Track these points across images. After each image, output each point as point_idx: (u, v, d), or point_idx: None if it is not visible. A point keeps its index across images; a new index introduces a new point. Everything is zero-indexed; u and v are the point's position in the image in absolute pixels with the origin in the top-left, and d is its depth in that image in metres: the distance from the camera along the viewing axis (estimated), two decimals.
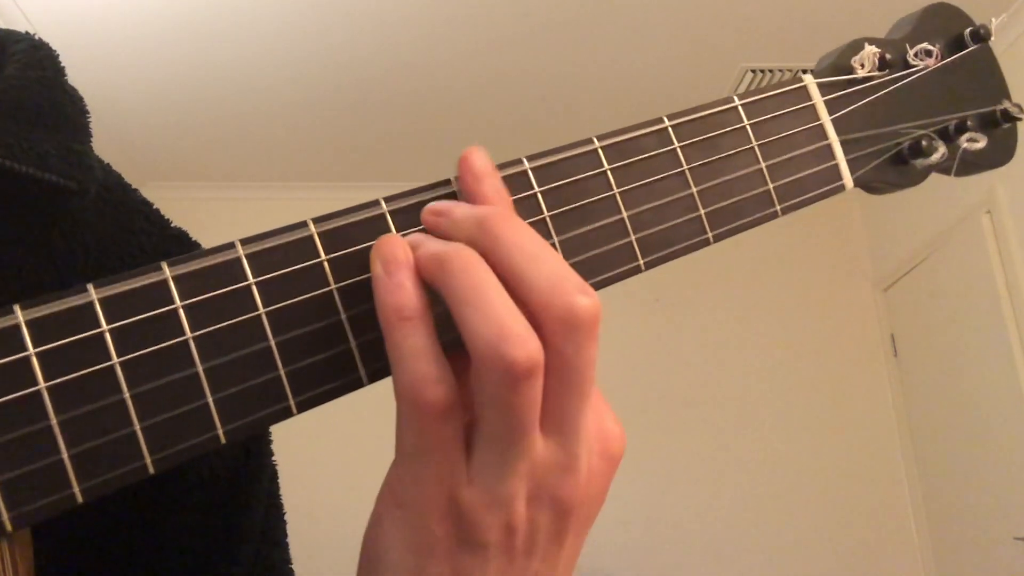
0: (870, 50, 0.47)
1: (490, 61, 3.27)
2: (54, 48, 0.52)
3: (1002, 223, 3.22)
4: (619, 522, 3.83)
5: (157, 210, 0.53)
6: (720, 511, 3.87)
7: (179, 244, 0.52)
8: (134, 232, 0.50)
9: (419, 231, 0.39)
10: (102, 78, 3.16)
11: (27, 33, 0.52)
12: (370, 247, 0.37)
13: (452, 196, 0.40)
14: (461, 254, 0.35)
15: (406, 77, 3.34)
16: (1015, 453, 3.16)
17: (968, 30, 0.50)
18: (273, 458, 0.56)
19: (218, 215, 3.66)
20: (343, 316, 0.37)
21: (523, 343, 0.33)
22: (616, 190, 0.42)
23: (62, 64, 0.51)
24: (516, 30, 3.10)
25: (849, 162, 0.47)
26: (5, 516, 0.32)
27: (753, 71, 3.42)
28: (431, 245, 0.36)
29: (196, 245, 0.52)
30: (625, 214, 0.42)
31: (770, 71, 3.43)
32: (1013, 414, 3.16)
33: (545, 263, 0.35)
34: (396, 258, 0.36)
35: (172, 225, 0.53)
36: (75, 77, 0.51)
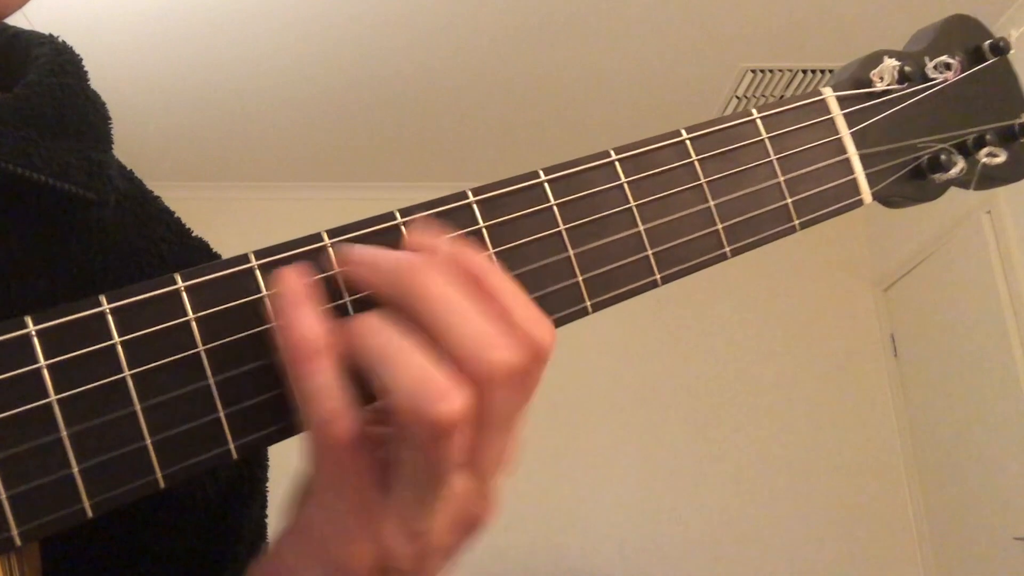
0: (889, 63, 0.46)
1: (492, 61, 3.27)
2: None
3: (1002, 223, 3.22)
4: (619, 522, 3.83)
5: (178, 219, 0.52)
6: (719, 511, 3.87)
7: (200, 254, 0.51)
8: (154, 241, 0.49)
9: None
10: (102, 78, 3.14)
11: (50, 35, 0.51)
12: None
13: (467, 210, 0.39)
14: (367, 320, 0.34)
15: (411, 77, 3.34)
16: (1015, 453, 3.16)
17: (988, 43, 0.50)
18: (266, 484, 0.55)
19: (221, 215, 3.65)
20: None
21: (446, 398, 0.32)
22: (633, 203, 0.42)
23: (85, 69, 0.50)
24: (517, 30, 3.09)
25: (868, 176, 0.47)
26: (14, 531, 0.32)
27: (753, 71, 3.41)
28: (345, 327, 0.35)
29: (217, 255, 0.51)
30: (642, 228, 0.42)
31: (770, 71, 3.42)
32: (1013, 414, 3.16)
33: (467, 316, 0.34)
34: (297, 291, 0.35)
35: (194, 235, 0.52)
36: None
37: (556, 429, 3.91)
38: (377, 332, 0.34)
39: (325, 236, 0.37)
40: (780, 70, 3.42)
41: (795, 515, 3.87)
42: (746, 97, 3.58)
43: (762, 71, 3.42)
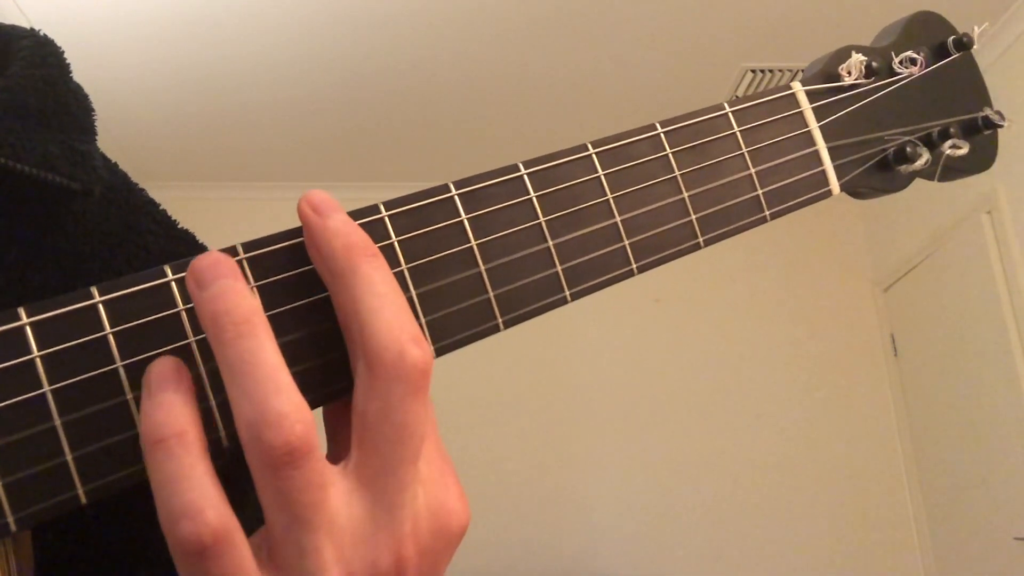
0: (857, 58, 0.48)
1: (491, 60, 3.28)
2: (59, 45, 0.51)
3: (1002, 223, 3.22)
4: (619, 522, 3.83)
5: (164, 210, 0.52)
6: (720, 511, 3.87)
7: (186, 245, 0.51)
8: (140, 233, 0.49)
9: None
10: (100, 77, 3.16)
11: (32, 29, 0.51)
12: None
13: (449, 202, 0.40)
14: (237, 323, 0.32)
15: (408, 77, 3.35)
16: (1015, 453, 3.16)
17: (951, 38, 0.51)
18: None
19: (217, 215, 3.65)
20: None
21: (282, 426, 0.30)
22: (610, 195, 0.43)
23: (67, 61, 0.50)
24: (516, 30, 3.10)
25: (836, 168, 0.48)
26: (10, 518, 0.32)
27: (753, 71, 3.42)
28: (219, 299, 0.32)
29: (203, 247, 0.52)
30: (619, 219, 0.43)
31: (770, 71, 3.43)
32: (1013, 414, 3.16)
33: (391, 306, 0.33)
34: (163, 377, 0.33)
35: (179, 226, 0.52)
36: (74, 76, 0.50)
37: (557, 429, 3.91)
38: (245, 339, 0.32)
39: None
40: (780, 70, 3.43)
41: (795, 514, 3.87)
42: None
43: (762, 71, 3.43)
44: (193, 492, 0.30)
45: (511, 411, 3.90)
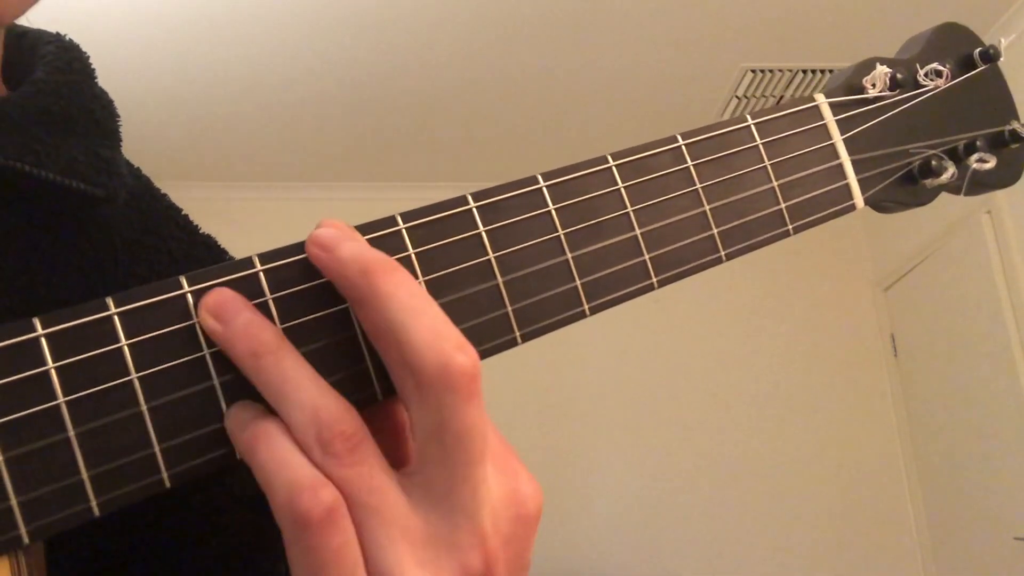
0: (881, 70, 0.47)
1: (494, 61, 3.27)
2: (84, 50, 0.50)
3: (1002, 223, 3.22)
4: (619, 522, 3.83)
5: (186, 215, 0.52)
6: (719, 511, 3.87)
7: (208, 250, 0.51)
8: (163, 238, 0.49)
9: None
10: (103, 78, 3.14)
11: (57, 33, 0.50)
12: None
13: (467, 215, 0.40)
14: (272, 350, 0.34)
15: (413, 77, 3.34)
16: (1015, 453, 3.17)
17: (978, 50, 0.51)
18: None
19: (222, 215, 3.65)
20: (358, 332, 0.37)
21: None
22: (630, 208, 0.42)
23: (92, 66, 0.50)
24: (518, 30, 3.09)
25: (860, 181, 0.48)
26: (23, 529, 0.32)
27: (753, 71, 3.42)
28: (247, 333, 0.34)
29: (224, 251, 0.52)
30: (639, 231, 0.42)
31: (770, 71, 3.42)
32: (1013, 414, 3.16)
33: (424, 317, 0.34)
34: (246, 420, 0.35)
35: (201, 231, 0.52)
36: None
37: (556, 428, 3.91)
38: (276, 363, 0.33)
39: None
40: (780, 70, 3.42)
41: (795, 515, 3.88)
42: (746, 97, 3.58)
43: (762, 71, 3.42)
44: (306, 468, 0.32)
45: (510, 410, 3.90)
